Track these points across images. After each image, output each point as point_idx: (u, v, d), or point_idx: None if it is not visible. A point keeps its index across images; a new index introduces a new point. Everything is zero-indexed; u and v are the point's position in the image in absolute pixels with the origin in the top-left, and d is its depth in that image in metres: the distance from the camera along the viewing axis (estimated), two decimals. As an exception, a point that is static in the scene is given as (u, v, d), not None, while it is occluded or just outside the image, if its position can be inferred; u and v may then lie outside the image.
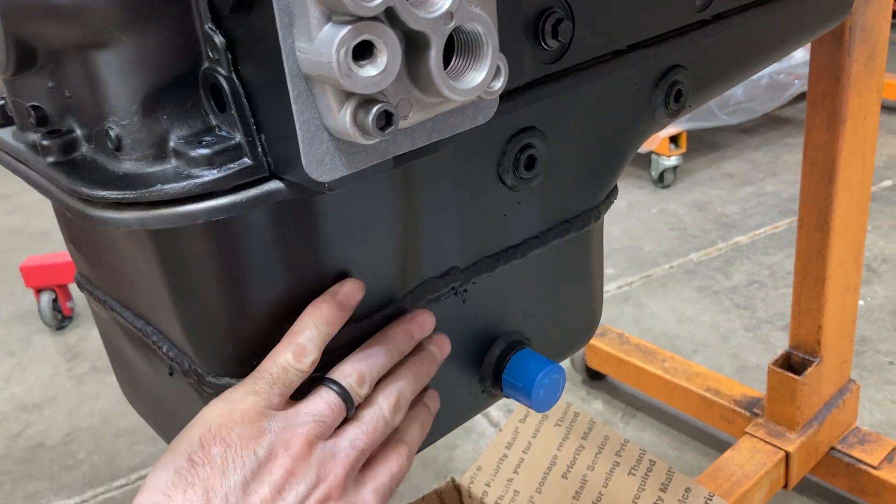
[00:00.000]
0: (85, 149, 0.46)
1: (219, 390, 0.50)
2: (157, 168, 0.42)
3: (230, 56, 0.41)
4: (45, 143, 0.45)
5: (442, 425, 0.63)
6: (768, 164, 2.86)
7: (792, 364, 1.29)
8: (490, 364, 0.62)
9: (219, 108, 0.43)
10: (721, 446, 1.58)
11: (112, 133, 0.43)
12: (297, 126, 0.37)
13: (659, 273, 2.24)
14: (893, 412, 1.63)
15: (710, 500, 0.83)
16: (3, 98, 0.54)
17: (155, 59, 0.41)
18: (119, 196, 0.41)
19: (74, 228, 0.62)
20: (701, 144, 3.01)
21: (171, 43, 0.41)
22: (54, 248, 2.93)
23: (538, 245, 0.63)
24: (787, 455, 1.27)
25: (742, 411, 1.44)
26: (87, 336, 2.32)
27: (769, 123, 3.18)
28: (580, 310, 0.70)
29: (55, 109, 0.47)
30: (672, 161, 2.67)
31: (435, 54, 0.36)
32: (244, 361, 0.49)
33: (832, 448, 1.34)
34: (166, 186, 0.41)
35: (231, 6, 0.38)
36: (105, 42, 0.41)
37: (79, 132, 0.46)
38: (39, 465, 1.85)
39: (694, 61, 0.67)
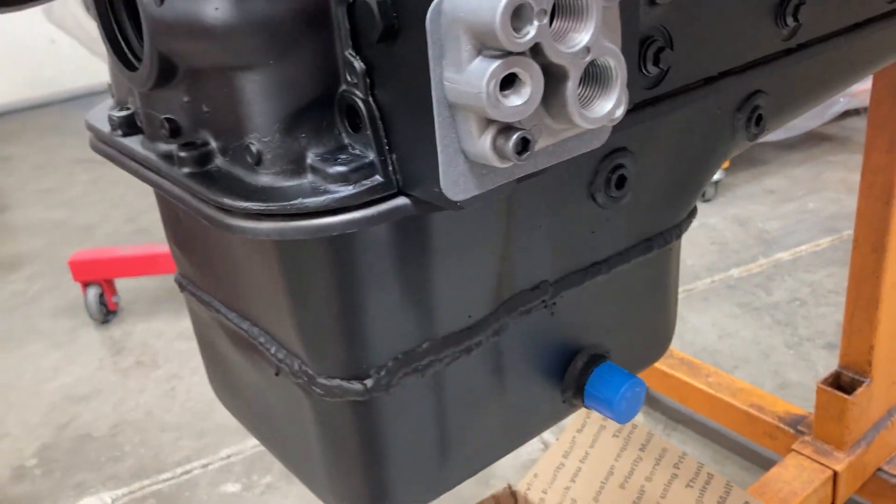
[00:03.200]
0: (219, 161, 0.48)
1: (328, 390, 0.53)
2: (294, 182, 0.45)
3: (368, 80, 0.44)
4: (182, 154, 0.48)
5: (523, 433, 0.65)
6: (810, 181, 2.86)
7: (841, 383, 1.30)
8: (573, 375, 0.65)
9: (353, 129, 0.45)
10: (762, 462, 1.58)
11: (253, 149, 0.45)
12: (439, 150, 0.40)
13: (700, 287, 2.25)
14: (937, 435, 1.63)
15: (769, 515, 0.85)
16: (128, 108, 0.57)
17: (297, 82, 0.44)
18: (262, 208, 0.44)
19: (181, 232, 0.65)
20: (742, 160, 3.02)
21: (312, 66, 0.44)
22: (99, 242, 2.99)
23: (622, 261, 0.65)
24: (835, 474, 1.28)
25: (786, 428, 1.45)
26: (132, 331, 2.37)
27: (811, 140, 3.17)
28: (657, 323, 0.72)
29: (189, 122, 0.50)
30: (714, 176, 2.68)
31: (571, 85, 0.39)
32: (355, 364, 0.52)
33: (879, 469, 1.35)
34: (307, 200, 0.43)
35: (378, 36, 0.41)
36: (251, 65, 0.44)
37: (213, 144, 0.49)
38: (87, 455, 1.89)
39: (776, 87, 0.69)
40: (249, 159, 0.46)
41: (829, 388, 1.28)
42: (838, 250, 2.36)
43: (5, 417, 2.05)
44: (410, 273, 0.51)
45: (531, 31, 0.36)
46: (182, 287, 0.69)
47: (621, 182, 0.61)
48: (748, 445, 1.61)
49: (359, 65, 0.43)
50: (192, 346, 2.28)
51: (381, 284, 0.50)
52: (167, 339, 2.32)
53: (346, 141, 0.46)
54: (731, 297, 2.18)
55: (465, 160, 0.41)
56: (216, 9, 0.42)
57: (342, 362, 0.52)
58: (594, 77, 0.41)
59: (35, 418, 2.04)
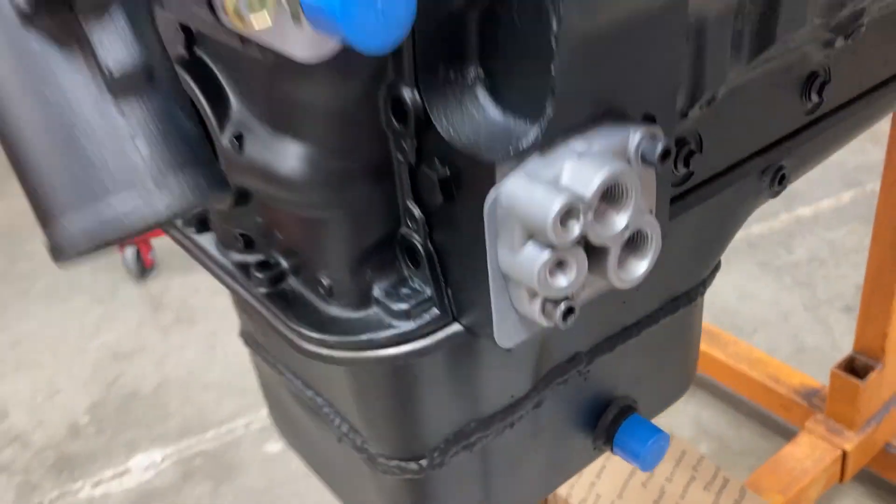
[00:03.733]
0: (292, 281, 0.54)
1: (387, 468, 0.60)
2: (361, 314, 0.51)
3: (427, 227, 0.49)
4: (258, 275, 0.54)
5: (557, 478, 0.72)
6: (834, 129, 2.85)
7: (855, 367, 1.36)
8: (603, 427, 0.71)
9: (413, 264, 0.50)
10: (777, 428, 1.66)
11: (325, 282, 0.51)
12: (493, 310, 0.45)
13: (721, 245, 2.29)
14: (948, 402, 1.69)
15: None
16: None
17: (363, 227, 0.49)
18: (335, 341, 0.50)
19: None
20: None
21: (377, 214, 0.49)
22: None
23: (651, 323, 0.70)
24: (844, 453, 1.35)
25: (801, 401, 1.52)
26: (170, 286, 2.46)
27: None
28: (681, 368, 0.78)
29: (262, 239, 0.55)
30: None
31: (612, 259, 0.44)
32: (410, 448, 0.58)
33: (887, 444, 1.42)
34: (375, 336, 0.49)
35: (440, 201, 0.46)
36: (322, 212, 0.49)
37: (285, 264, 0.54)
38: (135, 414, 2.00)
39: (799, 152, 0.73)
40: (321, 291, 0.51)
41: (842, 373, 1.34)
42: (860, 205, 2.38)
43: (56, 374, 2.16)
44: (461, 375, 0.57)
45: (577, 228, 0.41)
46: (247, 343, 0.75)
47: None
48: (763, 412, 1.69)
49: (418, 213, 0.48)
50: (228, 303, 2.36)
51: (434, 386, 0.56)
52: (204, 295, 2.40)
53: (407, 274, 0.51)
54: (753, 257, 2.22)
55: (515, 315, 0.46)
56: (292, 164, 0.47)
57: (400, 447, 0.58)
58: (631, 243, 0.46)
59: (83, 375, 2.14)
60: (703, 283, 0.74)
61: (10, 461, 1.91)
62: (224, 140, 0.49)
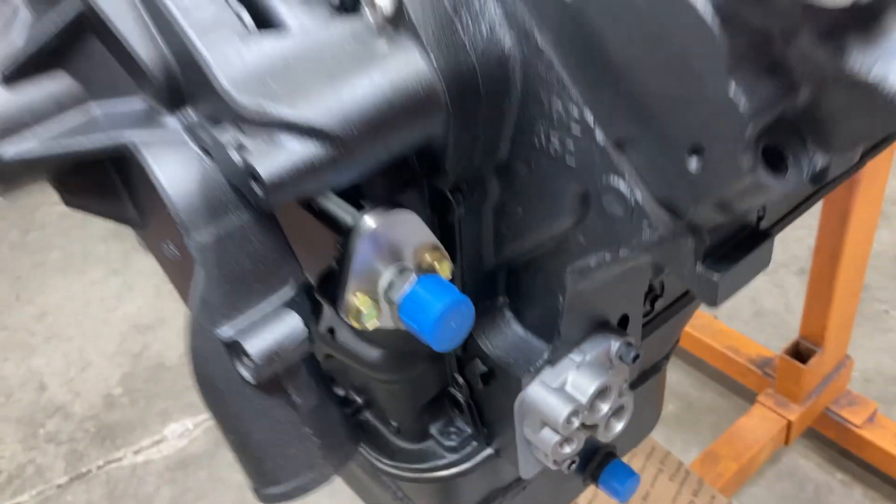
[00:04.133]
0: (367, 413, 0.74)
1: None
2: (421, 446, 0.71)
3: (469, 390, 0.69)
4: (345, 410, 0.74)
5: (566, 499, 0.95)
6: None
7: (799, 351, 1.60)
8: (591, 471, 0.93)
9: (459, 410, 0.71)
10: (735, 389, 1.91)
11: (393, 424, 0.71)
12: (520, 461, 0.66)
13: (689, 209, 2.50)
14: (883, 361, 1.95)
15: (729, 507, 1.17)
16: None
17: (424, 390, 0.69)
18: (408, 468, 0.70)
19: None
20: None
21: (434, 381, 0.69)
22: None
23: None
24: (790, 422, 1.60)
25: (756, 369, 1.76)
26: (181, 257, 2.64)
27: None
28: (650, 416, 1.00)
29: (342, 377, 0.75)
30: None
31: (601, 428, 0.64)
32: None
33: (826, 408, 1.67)
34: (434, 464, 0.70)
35: (481, 382, 0.66)
36: (391, 384, 0.69)
37: (360, 400, 0.74)
38: (164, 384, 2.22)
39: None
40: (391, 427, 0.72)
41: (788, 358, 1.58)
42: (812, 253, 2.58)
43: (85, 346, 2.36)
44: (489, 473, 0.78)
45: (577, 422, 0.61)
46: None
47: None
48: (725, 376, 1.93)
49: (462, 381, 0.68)
50: (237, 273, 2.56)
51: (472, 485, 0.77)
52: (213, 265, 2.59)
53: (454, 415, 0.72)
54: (718, 219, 2.43)
55: (534, 460, 0.67)
56: (373, 356, 0.67)
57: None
58: (614, 413, 0.66)
59: (111, 347, 2.35)
60: (667, 356, 0.95)
61: (56, 431, 2.13)
62: (321, 329, 0.69)
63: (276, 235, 0.50)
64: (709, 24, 0.37)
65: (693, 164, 0.41)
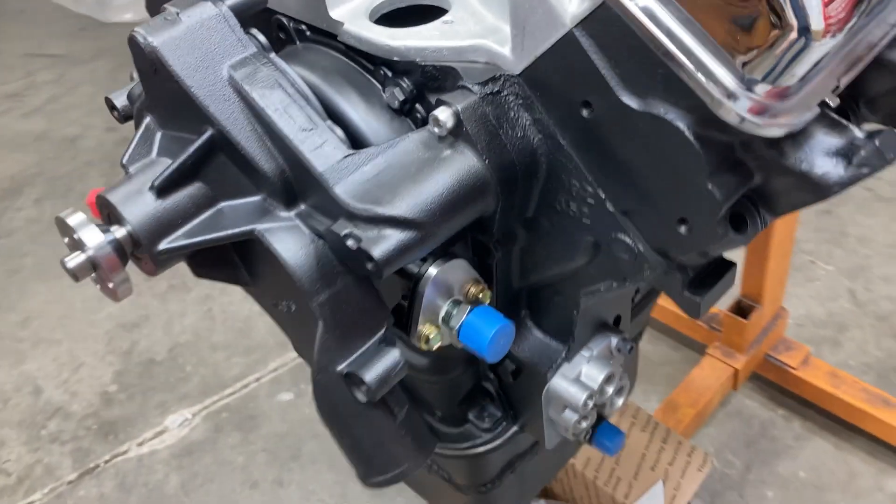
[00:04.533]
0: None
1: (465, 489, 0.99)
2: (461, 430, 0.89)
3: (499, 383, 0.86)
4: (391, 407, 0.91)
5: (560, 464, 1.14)
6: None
7: (741, 307, 1.82)
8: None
9: (489, 399, 0.88)
10: (686, 343, 2.13)
11: (437, 413, 0.88)
12: (546, 436, 0.84)
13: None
14: (812, 307, 2.19)
15: (692, 451, 1.39)
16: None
17: (462, 386, 0.87)
18: (452, 448, 0.88)
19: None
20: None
21: (470, 378, 0.87)
22: (88, 157, 3.23)
23: None
24: (736, 370, 1.83)
25: (703, 324, 1.99)
26: (156, 254, 2.74)
27: None
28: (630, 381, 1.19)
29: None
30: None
31: (607, 406, 0.83)
32: (483, 481, 0.98)
33: (767, 354, 1.91)
34: (473, 442, 0.88)
35: (511, 377, 0.83)
36: (437, 381, 0.86)
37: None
38: (157, 378, 2.34)
39: None
40: (436, 415, 0.89)
41: (731, 314, 1.80)
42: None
43: (74, 348, 2.46)
44: (514, 445, 0.96)
45: (591, 403, 0.80)
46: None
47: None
48: (676, 331, 2.15)
49: (492, 377, 0.86)
50: (213, 266, 2.67)
51: (499, 456, 0.95)
52: (189, 260, 2.70)
53: (485, 403, 0.90)
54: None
55: (557, 434, 0.85)
56: (423, 362, 0.84)
57: (476, 482, 0.99)
58: (617, 391, 0.85)
59: (100, 347, 2.46)
60: (640, 335, 1.15)
61: (59, 431, 2.24)
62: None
63: (372, 291, 0.66)
64: (692, 144, 0.54)
65: (682, 229, 0.59)
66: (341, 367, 0.64)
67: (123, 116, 0.74)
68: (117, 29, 4.05)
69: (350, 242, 0.60)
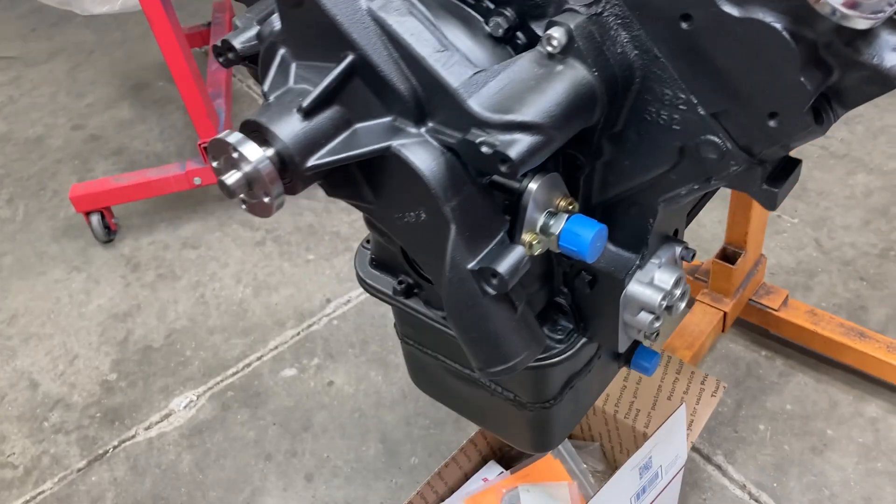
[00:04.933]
0: None
1: (531, 407, 1.08)
2: (539, 343, 0.98)
3: (572, 297, 0.95)
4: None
5: (605, 384, 1.24)
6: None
7: (727, 254, 1.94)
8: (625, 356, 1.22)
9: (562, 314, 0.97)
10: (671, 295, 2.26)
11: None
12: (619, 338, 0.93)
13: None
14: (782, 256, 2.35)
15: (705, 379, 1.50)
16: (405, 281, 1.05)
17: (538, 300, 0.95)
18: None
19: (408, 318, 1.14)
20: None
21: (544, 293, 0.95)
22: (57, 156, 3.20)
23: None
24: (725, 313, 1.96)
25: (688, 276, 2.11)
26: (139, 246, 2.75)
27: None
28: None
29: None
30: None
31: (674, 309, 0.92)
32: (548, 398, 1.07)
33: (750, 299, 2.04)
34: (549, 353, 0.96)
35: (588, 287, 0.92)
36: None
37: None
38: (157, 364, 2.37)
39: None
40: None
41: (719, 261, 1.93)
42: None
43: (67, 341, 2.46)
44: (575, 361, 1.05)
45: (664, 304, 0.89)
46: (404, 341, 1.19)
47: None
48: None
49: (566, 291, 0.95)
50: (200, 254, 2.70)
51: (565, 370, 1.04)
52: (174, 249, 2.72)
53: (558, 317, 0.98)
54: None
55: (629, 337, 0.95)
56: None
57: (541, 398, 1.07)
58: (682, 294, 0.94)
59: (93, 338, 2.46)
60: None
61: (62, 422, 2.25)
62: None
63: (491, 197, 0.75)
64: (789, 42, 0.64)
65: (772, 123, 0.69)
66: (472, 264, 0.72)
67: (239, 58, 0.80)
68: (69, 29, 4.01)
69: (485, 149, 0.68)
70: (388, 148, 0.71)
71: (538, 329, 0.81)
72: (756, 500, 1.81)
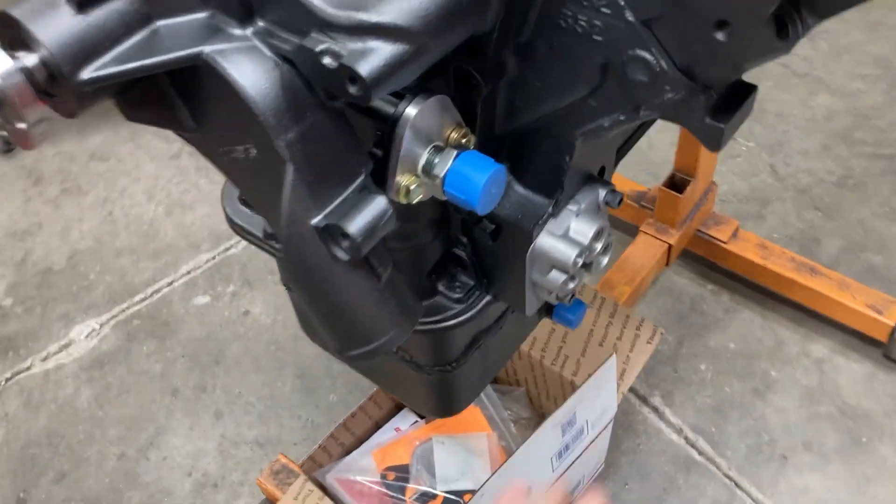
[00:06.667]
0: None
1: (432, 371, 0.92)
2: (430, 301, 0.80)
3: (471, 248, 0.78)
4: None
5: (520, 340, 1.08)
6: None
7: (675, 182, 1.78)
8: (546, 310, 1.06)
9: (462, 268, 0.80)
10: (615, 223, 2.10)
11: (406, 287, 0.80)
12: (527, 300, 0.76)
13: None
14: (735, 182, 2.19)
15: (641, 324, 1.35)
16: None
17: (431, 253, 0.78)
18: (423, 322, 0.79)
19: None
20: None
21: (438, 244, 0.78)
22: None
23: None
24: (670, 246, 1.81)
25: (633, 203, 1.95)
26: (43, 157, 2.50)
27: None
28: None
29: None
30: None
31: (594, 264, 0.76)
32: (449, 360, 0.90)
33: (698, 230, 1.90)
34: (443, 316, 0.80)
35: (490, 238, 0.75)
36: (405, 248, 0.77)
37: None
38: (58, 288, 2.16)
39: None
40: (403, 291, 0.80)
41: (667, 189, 1.77)
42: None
43: (-42, 262, 2.24)
44: (480, 320, 0.89)
45: (581, 261, 0.72)
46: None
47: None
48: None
49: (466, 241, 0.78)
50: (109, 168, 2.46)
51: (466, 330, 0.88)
52: (81, 162, 2.48)
53: (456, 272, 0.81)
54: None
55: (536, 300, 0.78)
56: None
57: (441, 360, 0.91)
58: (604, 248, 0.77)
59: (-12, 259, 2.24)
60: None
61: (-51, 352, 2.05)
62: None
63: (347, 128, 0.56)
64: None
65: (720, 35, 0.51)
66: (318, 219, 0.54)
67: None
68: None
69: (327, 60, 0.49)
70: (198, 55, 0.52)
71: (411, 299, 0.63)
72: (692, 446, 1.70)
